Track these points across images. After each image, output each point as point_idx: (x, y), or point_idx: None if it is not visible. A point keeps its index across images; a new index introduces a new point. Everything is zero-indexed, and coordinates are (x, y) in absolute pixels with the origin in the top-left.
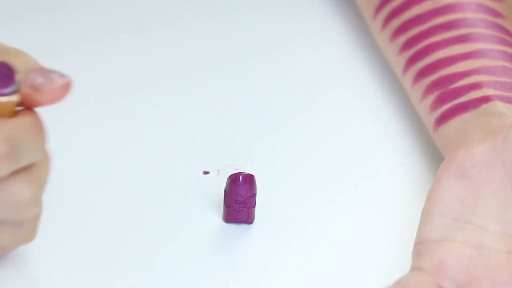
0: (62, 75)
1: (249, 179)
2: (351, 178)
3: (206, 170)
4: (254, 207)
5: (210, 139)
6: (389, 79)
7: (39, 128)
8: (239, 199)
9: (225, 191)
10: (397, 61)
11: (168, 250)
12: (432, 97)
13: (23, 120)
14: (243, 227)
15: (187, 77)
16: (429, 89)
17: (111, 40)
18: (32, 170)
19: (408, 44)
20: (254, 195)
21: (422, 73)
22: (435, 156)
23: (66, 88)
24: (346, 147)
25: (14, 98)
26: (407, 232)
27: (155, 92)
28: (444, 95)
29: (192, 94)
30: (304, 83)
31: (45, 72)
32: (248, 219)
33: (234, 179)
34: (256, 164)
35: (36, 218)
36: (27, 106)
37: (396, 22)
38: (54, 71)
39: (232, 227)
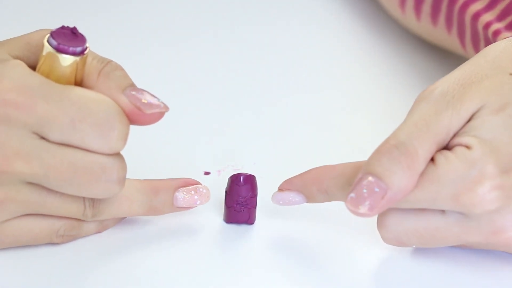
0: (160, 104)
1: (250, 180)
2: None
3: (207, 170)
4: (255, 207)
5: (211, 140)
6: (390, 80)
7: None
8: (240, 200)
9: (226, 191)
10: (452, 40)
11: (169, 250)
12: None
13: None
14: (244, 227)
15: (188, 77)
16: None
17: (112, 40)
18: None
19: (449, 21)
20: (255, 196)
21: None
22: None
23: (160, 115)
24: (347, 147)
25: (83, 58)
26: None
27: (156, 92)
28: None
29: (193, 94)
30: (305, 84)
31: (150, 94)
32: (249, 219)
33: (235, 179)
34: (257, 164)
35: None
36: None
37: (428, 6)
38: (155, 97)
39: (233, 227)
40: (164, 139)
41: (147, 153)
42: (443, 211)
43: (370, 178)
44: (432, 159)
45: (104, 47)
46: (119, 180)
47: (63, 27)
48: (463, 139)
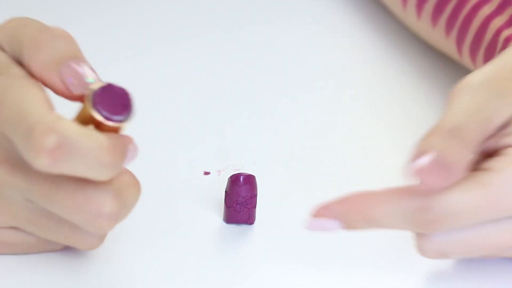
0: (89, 82)
1: (250, 180)
2: (352, 178)
3: (207, 170)
4: (255, 207)
5: (211, 140)
6: (391, 80)
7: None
8: (240, 200)
9: (225, 191)
10: (448, 44)
11: (168, 250)
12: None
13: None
14: (244, 227)
15: (188, 77)
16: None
17: (111, 40)
18: (119, 186)
19: (450, 24)
20: (254, 196)
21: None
22: None
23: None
24: (347, 147)
25: (121, 125)
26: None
27: (156, 92)
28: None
29: (193, 94)
30: (305, 84)
31: (79, 72)
32: (248, 219)
33: (234, 179)
34: (257, 164)
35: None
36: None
37: (430, 5)
38: (86, 74)
39: (233, 227)
40: (163, 139)
41: (146, 153)
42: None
43: (427, 157)
44: (487, 168)
45: (104, 47)
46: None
47: (107, 88)
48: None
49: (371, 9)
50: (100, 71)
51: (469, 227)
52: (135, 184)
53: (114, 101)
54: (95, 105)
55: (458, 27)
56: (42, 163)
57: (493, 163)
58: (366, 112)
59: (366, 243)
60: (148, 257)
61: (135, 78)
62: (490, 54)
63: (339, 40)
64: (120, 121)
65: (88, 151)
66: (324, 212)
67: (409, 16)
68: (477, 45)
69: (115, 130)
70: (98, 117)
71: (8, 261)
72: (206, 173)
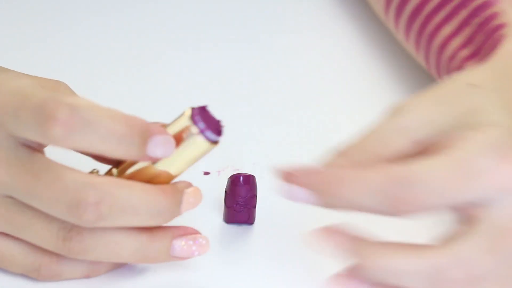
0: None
1: (250, 180)
2: None
3: (207, 170)
4: (255, 207)
5: None
6: (391, 80)
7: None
8: (240, 200)
9: (225, 191)
10: (419, 58)
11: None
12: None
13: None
14: (244, 227)
15: (188, 77)
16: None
17: (111, 41)
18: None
19: (418, 40)
20: (254, 196)
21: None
22: None
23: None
24: None
25: (213, 146)
26: (408, 231)
27: (156, 92)
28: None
29: (193, 94)
30: (305, 84)
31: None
32: (248, 219)
33: (234, 179)
34: (257, 164)
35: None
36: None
37: (403, 19)
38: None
39: (233, 227)
40: None
41: None
42: None
43: None
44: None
45: (104, 47)
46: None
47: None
48: None
49: (369, 12)
50: (102, 71)
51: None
52: (124, 184)
53: (210, 122)
54: (193, 117)
55: (424, 45)
56: (57, 133)
57: (455, 141)
58: (366, 113)
59: None
60: None
61: (135, 78)
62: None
63: (339, 42)
64: (211, 141)
65: (101, 122)
66: (300, 178)
67: (389, 25)
68: (439, 63)
69: (169, 178)
70: (194, 129)
71: None
72: (206, 173)
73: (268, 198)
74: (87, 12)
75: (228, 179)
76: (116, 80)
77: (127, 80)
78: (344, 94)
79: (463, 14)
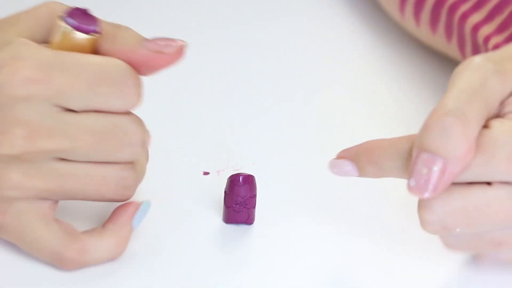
0: (177, 40)
1: (249, 180)
2: (352, 178)
3: (206, 170)
4: (254, 207)
5: (211, 140)
6: (392, 80)
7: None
8: (239, 200)
9: (225, 191)
10: (451, 49)
11: (168, 250)
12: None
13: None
14: (243, 228)
15: (188, 77)
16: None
17: None
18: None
19: (449, 31)
20: (254, 196)
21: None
22: None
23: (181, 50)
24: (347, 146)
25: (95, 36)
26: (408, 233)
27: (156, 92)
28: None
29: (193, 94)
30: (305, 84)
31: (165, 38)
32: (248, 220)
33: (234, 179)
34: (256, 165)
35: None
36: (147, 68)
37: (426, 14)
38: (171, 38)
39: (232, 228)
40: (163, 139)
41: None
42: (490, 185)
43: (425, 155)
44: (486, 126)
45: None
46: (141, 142)
47: (76, 8)
48: None
49: (373, 11)
50: None
51: (468, 195)
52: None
53: (83, 17)
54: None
55: (457, 34)
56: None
57: (493, 121)
58: (366, 113)
59: (366, 243)
60: (147, 257)
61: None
62: None
63: (338, 41)
64: (94, 32)
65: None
66: (342, 153)
67: (408, 24)
68: (477, 50)
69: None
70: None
71: (8, 260)
72: (206, 173)
73: (268, 198)
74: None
75: (227, 179)
76: None
77: None
78: (345, 93)
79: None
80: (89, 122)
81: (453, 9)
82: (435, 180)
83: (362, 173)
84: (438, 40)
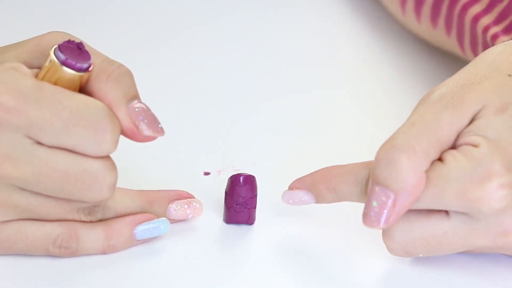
0: (159, 128)
1: (250, 180)
2: None
3: (207, 171)
4: (255, 208)
5: (211, 140)
6: (392, 80)
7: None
8: (240, 200)
9: (225, 192)
10: (451, 43)
11: (168, 250)
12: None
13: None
14: (244, 228)
15: (188, 77)
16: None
17: (111, 41)
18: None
19: (449, 24)
20: (254, 196)
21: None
22: None
23: (154, 138)
24: (347, 147)
25: (87, 74)
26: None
27: (156, 92)
28: None
29: (193, 94)
30: (305, 84)
31: (151, 115)
32: (248, 220)
33: (234, 180)
34: (257, 165)
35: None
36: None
37: (427, 8)
38: (156, 120)
39: (233, 228)
40: (164, 139)
41: (147, 154)
42: (448, 215)
43: (376, 188)
44: (440, 159)
45: (104, 47)
46: (109, 186)
47: (69, 42)
48: (469, 138)
49: (373, 9)
50: None
51: (426, 225)
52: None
53: (75, 52)
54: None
55: (456, 26)
56: None
57: (445, 154)
58: (367, 113)
59: (366, 243)
60: (148, 257)
61: (136, 79)
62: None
63: (339, 40)
64: (87, 69)
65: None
66: (297, 184)
67: (409, 21)
68: (475, 41)
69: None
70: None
71: (8, 259)
72: (206, 174)
73: (268, 198)
74: (87, 12)
75: (228, 179)
76: None
77: None
78: (346, 93)
79: None
80: (59, 160)
81: (454, 1)
82: (386, 212)
83: (320, 201)
84: (438, 35)
